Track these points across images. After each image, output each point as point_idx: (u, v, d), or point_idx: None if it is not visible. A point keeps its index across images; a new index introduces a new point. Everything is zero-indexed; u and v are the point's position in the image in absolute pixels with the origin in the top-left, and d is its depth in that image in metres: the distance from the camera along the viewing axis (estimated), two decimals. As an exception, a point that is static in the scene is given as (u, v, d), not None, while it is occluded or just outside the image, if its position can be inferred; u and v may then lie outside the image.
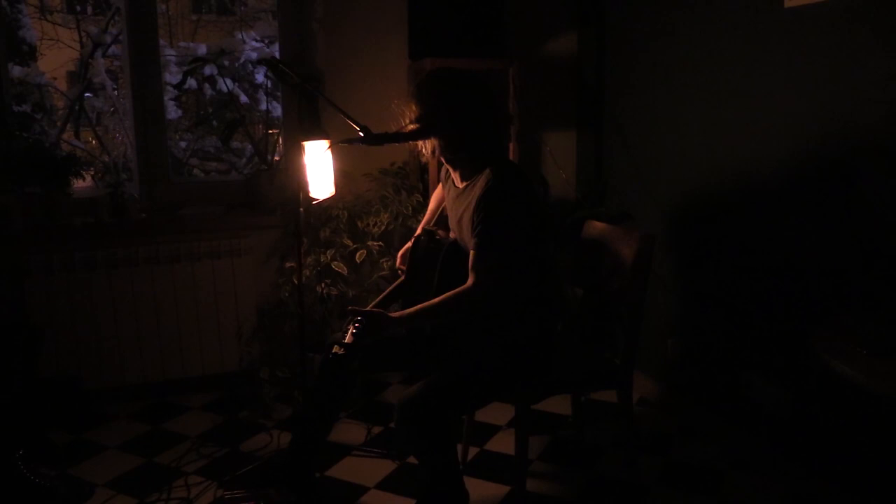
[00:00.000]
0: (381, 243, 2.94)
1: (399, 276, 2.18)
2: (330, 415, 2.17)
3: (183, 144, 4.77)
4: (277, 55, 3.30)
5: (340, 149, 2.17)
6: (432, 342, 2.02)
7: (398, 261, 2.23)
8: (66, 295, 2.75)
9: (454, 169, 2.05)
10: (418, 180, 3.07)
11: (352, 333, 1.77)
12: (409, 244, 2.18)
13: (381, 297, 2.13)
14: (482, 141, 1.97)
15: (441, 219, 2.29)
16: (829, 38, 2.05)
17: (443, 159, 2.04)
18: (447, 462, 1.85)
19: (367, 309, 1.86)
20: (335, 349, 1.77)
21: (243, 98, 4.66)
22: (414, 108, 1.95)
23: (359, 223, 2.98)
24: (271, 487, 2.17)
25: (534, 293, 2.00)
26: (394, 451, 2.52)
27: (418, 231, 2.23)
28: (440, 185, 2.29)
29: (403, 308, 1.93)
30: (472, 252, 1.87)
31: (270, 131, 4.59)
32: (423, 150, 2.01)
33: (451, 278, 1.91)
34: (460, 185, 2.03)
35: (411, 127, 1.95)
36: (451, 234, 2.11)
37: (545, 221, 2.03)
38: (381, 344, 2.04)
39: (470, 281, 1.85)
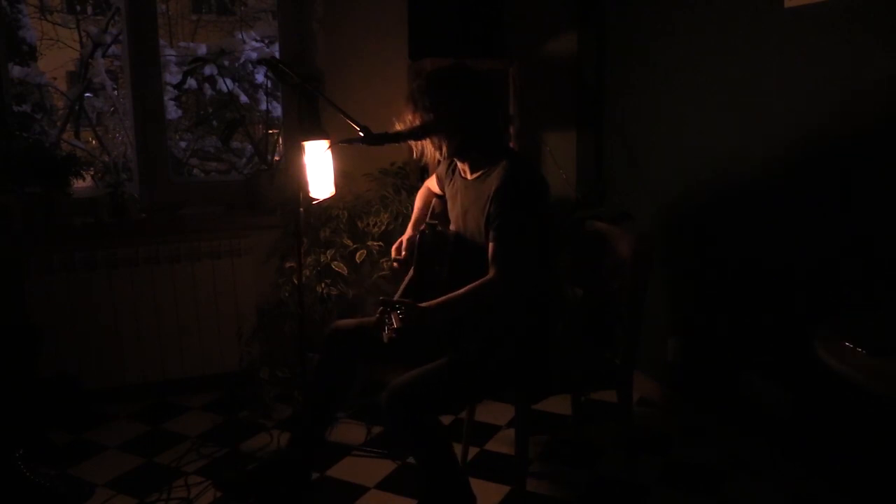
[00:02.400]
0: (381, 243, 2.94)
1: (395, 269, 2.16)
2: (330, 405, 2.15)
3: (183, 144, 4.77)
4: (277, 55, 3.30)
5: (340, 149, 2.17)
6: (436, 337, 2.01)
7: (392, 253, 2.19)
8: (66, 295, 2.75)
9: (461, 161, 2.04)
10: (418, 180, 3.07)
11: (399, 318, 1.73)
12: (403, 237, 2.16)
13: (399, 291, 2.11)
14: (484, 137, 1.96)
15: (434, 216, 2.28)
16: (829, 38, 2.05)
17: (447, 155, 2.03)
18: (439, 455, 1.84)
19: (399, 299, 1.82)
20: (388, 334, 1.72)
21: (243, 98, 4.67)
22: (414, 106, 1.95)
23: (359, 223, 2.98)
24: (269, 487, 2.16)
25: (534, 292, 2.00)
26: (394, 451, 2.52)
27: (415, 227, 2.21)
28: (424, 188, 2.28)
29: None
30: (491, 244, 1.86)
31: (270, 131, 4.59)
32: (422, 149, 2.01)
33: (460, 271, 1.91)
34: (470, 177, 2.02)
35: (411, 127, 1.95)
36: (452, 227, 2.11)
37: (550, 219, 2.04)
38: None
39: (492, 273, 1.84)
